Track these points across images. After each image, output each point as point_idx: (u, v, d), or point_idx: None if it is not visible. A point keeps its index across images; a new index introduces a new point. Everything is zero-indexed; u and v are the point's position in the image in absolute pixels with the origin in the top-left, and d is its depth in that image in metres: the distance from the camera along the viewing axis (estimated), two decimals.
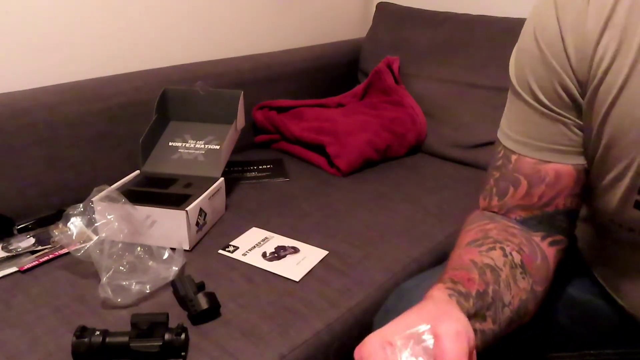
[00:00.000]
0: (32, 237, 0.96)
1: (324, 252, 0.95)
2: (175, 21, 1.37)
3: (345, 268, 0.91)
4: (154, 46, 1.34)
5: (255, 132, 1.50)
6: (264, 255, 0.93)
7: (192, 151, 1.15)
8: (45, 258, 0.91)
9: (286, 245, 0.96)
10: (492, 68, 1.39)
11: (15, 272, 0.88)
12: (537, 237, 0.60)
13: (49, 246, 0.94)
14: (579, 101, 0.55)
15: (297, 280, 0.87)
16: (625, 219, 0.55)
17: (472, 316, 0.48)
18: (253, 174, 1.29)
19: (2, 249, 0.93)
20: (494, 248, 0.56)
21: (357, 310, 0.83)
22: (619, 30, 0.50)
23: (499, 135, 0.63)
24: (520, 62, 0.59)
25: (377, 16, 1.71)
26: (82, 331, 0.69)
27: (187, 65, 1.36)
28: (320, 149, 1.34)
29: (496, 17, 1.44)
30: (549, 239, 0.61)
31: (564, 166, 0.58)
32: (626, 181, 0.53)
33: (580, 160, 0.58)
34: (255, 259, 0.92)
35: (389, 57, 1.55)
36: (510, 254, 0.56)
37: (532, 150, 0.59)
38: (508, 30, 1.34)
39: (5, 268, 0.88)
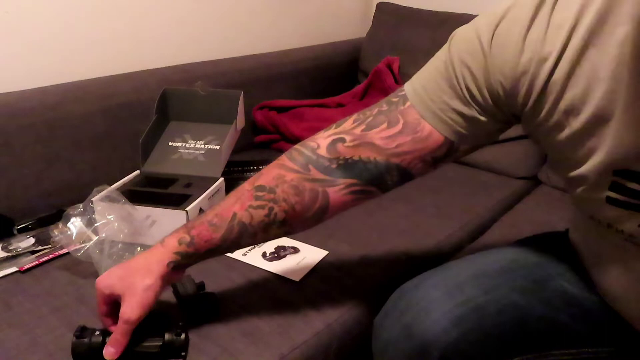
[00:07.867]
0: (32, 237, 0.96)
1: (324, 252, 0.95)
2: (175, 21, 1.37)
3: (345, 268, 0.91)
4: (154, 46, 1.34)
5: (255, 132, 1.50)
6: (264, 255, 0.93)
7: (192, 151, 1.15)
8: (45, 258, 0.91)
9: (286, 245, 0.96)
10: None
11: (15, 272, 0.88)
12: (338, 186, 0.63)
13: (49, 246, 0.94)
14: (514, 112, 0.57)
15: (297, 280, 0.87)
16: (601, 215, 0.56)
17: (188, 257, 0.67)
18: (253, 174, 1.28)
19: (2, 249, 0.93)
20: (263, 207, 0.64)
21: (357, 310, 0.83)
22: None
23: (409, 81, 0.64)
24: (464, 50, 0.59)
25: (377, 16, 1.71)
26: (82, 331, 0.68)
27: (187, 65, 1.36)
28: None
29: None
30: (356, 188, 0.64)
31: (439, 135, 0.60)
32: (592, 179, 0.53)
33: (463, 143, 0.60)
34: (255, 259, 0.92)
35: (389, 57, 1.55)
36: (275, 214, 0.64)
37: (424, 107, 0.60)
38: None
39: (5, 268, 0.88)
